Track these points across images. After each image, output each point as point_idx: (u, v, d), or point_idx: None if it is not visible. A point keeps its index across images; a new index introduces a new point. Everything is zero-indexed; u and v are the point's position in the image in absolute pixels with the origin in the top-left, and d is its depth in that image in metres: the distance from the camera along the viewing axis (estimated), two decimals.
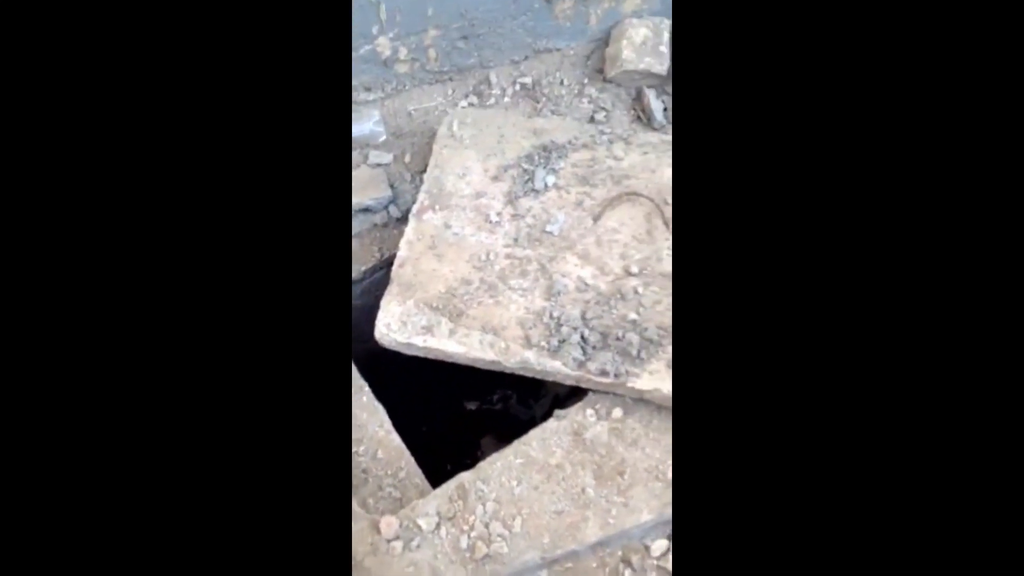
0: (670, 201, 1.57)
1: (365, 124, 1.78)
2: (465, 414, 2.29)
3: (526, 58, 1.99)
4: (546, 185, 1.63)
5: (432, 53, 1.89)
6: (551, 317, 1.41)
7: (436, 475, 1.37)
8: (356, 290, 1.79)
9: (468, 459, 1.86)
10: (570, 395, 2.02)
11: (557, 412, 1.36)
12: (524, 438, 1.31)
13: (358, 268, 1.73)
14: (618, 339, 1.36)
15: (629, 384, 1.31)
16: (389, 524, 1.16)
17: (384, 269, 1.75)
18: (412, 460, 1.37)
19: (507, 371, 1.40)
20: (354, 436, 1.40)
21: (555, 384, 2.21)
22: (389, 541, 1.15)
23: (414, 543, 1.15)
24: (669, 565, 1.16)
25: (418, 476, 1.34)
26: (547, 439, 1.30)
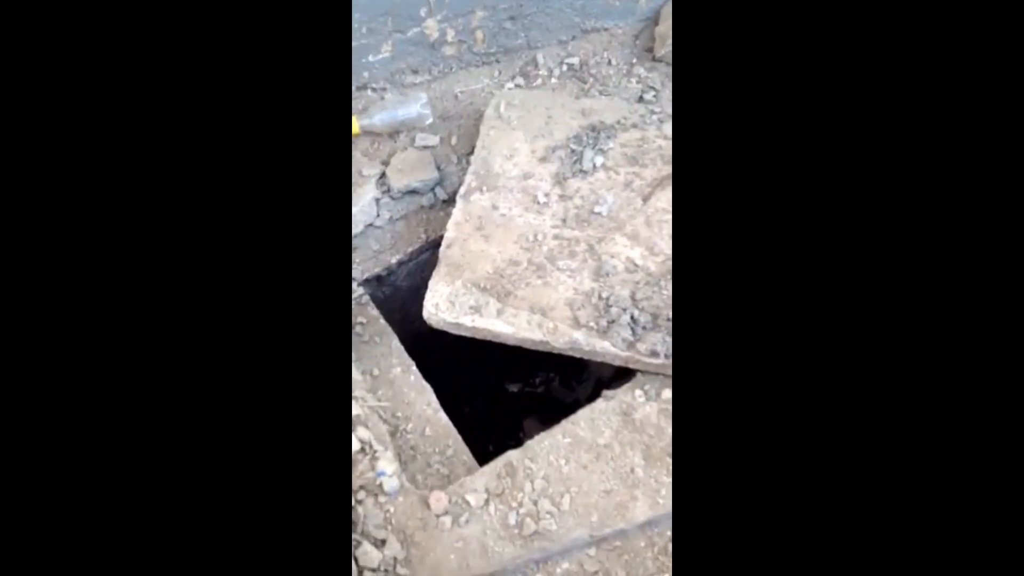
0: None
1: (412, 107, 1.78)
2: (507, 396, 2.30)
3: (573, 38, 1.97)
4: (595, 166, 1.61)
5: (479, 35, 1.88)
6: (600, 298, 1.40)
7: (480, 456, 1.38)
8: (401, 272, 1.80)
9: (511, 441, 1.88)
10: (614, 378, 2.01)
11: (605, 393, 1.35)
12: (572, 418, 1.31)
13: (404, 250, 1.74)
14: (668, 320, 1.35)
15: None
16: (439, 499, 1.18)
17: (430, 251, 1.76)
18: (459, 438, 1.38)
19: (555, 351, 1.40)
20: (402, 414, 1.41)
21: (598, 367, 2.20)
22: (438, 516, 1.16)
23: (463, 519, 1.16)
24: None
25: (465, 454, 1.35)
26: (596, 419, 1.30)
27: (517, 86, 1.91)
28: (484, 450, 1.41)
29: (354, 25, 1.72)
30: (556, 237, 1.51)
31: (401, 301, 1.85)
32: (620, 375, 1.89)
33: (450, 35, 1.85)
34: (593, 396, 1.39)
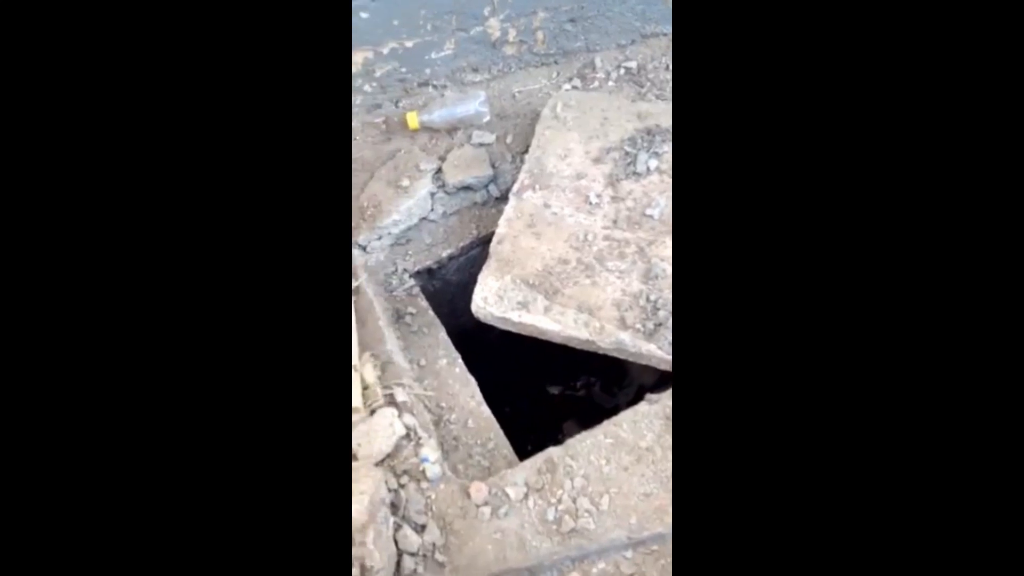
0: None
1: (471, 104, 1.81)
2: (548, 398, 2.30)
3: (632, 42, 1.97)
4: (648, 169, 1.61)
5: (540, 35, 1.90)
6: (648, 300, 1.40)
7: (519, 454, 1.39)
8: (452, 266, 1.83)
9: (550, 442, 1.88)
10: (655, 385, 1.99)
11: (649, 396, 1.34)
12: (615, 419, 1.31)
13: (456, 244, 1.76)
14: None
15: None
16: (479, 490, 1.19)
17: (480, 247, 1.78)
18: (501, 432, 1.39)
19: (600, 352, 1.40)
20: (446, 404, 1.43)
21: (640, 373, 2.19)
22: (478, 506, 1.17)
23: (502, 510, 1.17)
24: None
25: (506, 447, 1.36)
26: (638, 422, 1.29)
27: (574, 88, 1.92)
28: (523, 449, 1.41)
29: (419, 22, 1.76)
30: (606, 238, 1.51)
31: (450, 295, 1.87)
32: (661, 383, 1.87)
33: (511, 35, 1.87)
34: (634, 402, 1.38)
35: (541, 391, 2.32)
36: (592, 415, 1.89)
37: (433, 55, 1.85)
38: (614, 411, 1.39)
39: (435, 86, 1.92)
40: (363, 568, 1.00)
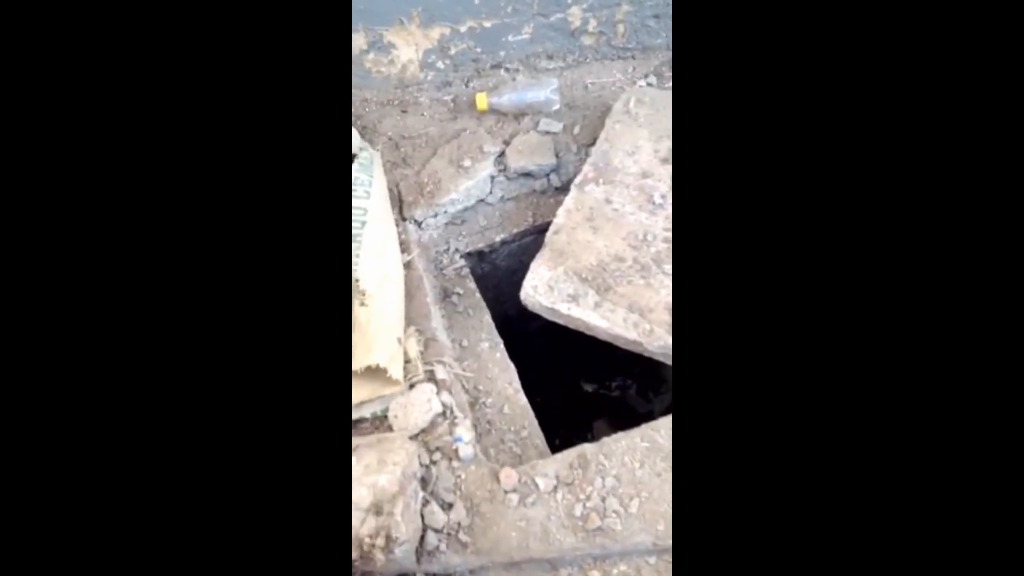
0: None
1: (542, 91, 1.79)
2: (581, 394, 2.28)
3: None
4: None
5: (621, 28, 1.87)
6: None
7: (548, 446, 1.38)
8: (503, 251, 1.82)
9: (578, 438, 1.86)
10: None
11: None
12: (652, 424, 1.28)
13: (510, 230, 1.76)
14: None
15: None
16: (508, 476, 1.18)
17: (534, 235, 1.77)
18: (535, 422, 1.38)
19: (646, 354, 1.37)
20: (484, 388, 1.43)
21: None
22: (507, 492, 1.17)
23: (530, 499, 1.16)
24: None
25: (539, 438, 1.36)
26: None
27: (649, 84, 1.89)
28: (551, 442, 1.40)
29: (500, 3, 1.74)
30: (666, 240, 1.48)
31: (497, 280, 1.86)
32: None
33: (592, 25, 1.84)
34: (670, 409, 1.35)
35: (575, 387, 2.30)
36: (624, 417, 1.87)
37: (510, 37, 1.84)
38: (648, 416, 1.37)
39: (508, 69, 1.91)
40: (388, 538, 1.01)
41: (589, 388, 2.31)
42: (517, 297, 1.46)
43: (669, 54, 1.92)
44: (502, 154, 1.74)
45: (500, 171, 1.74)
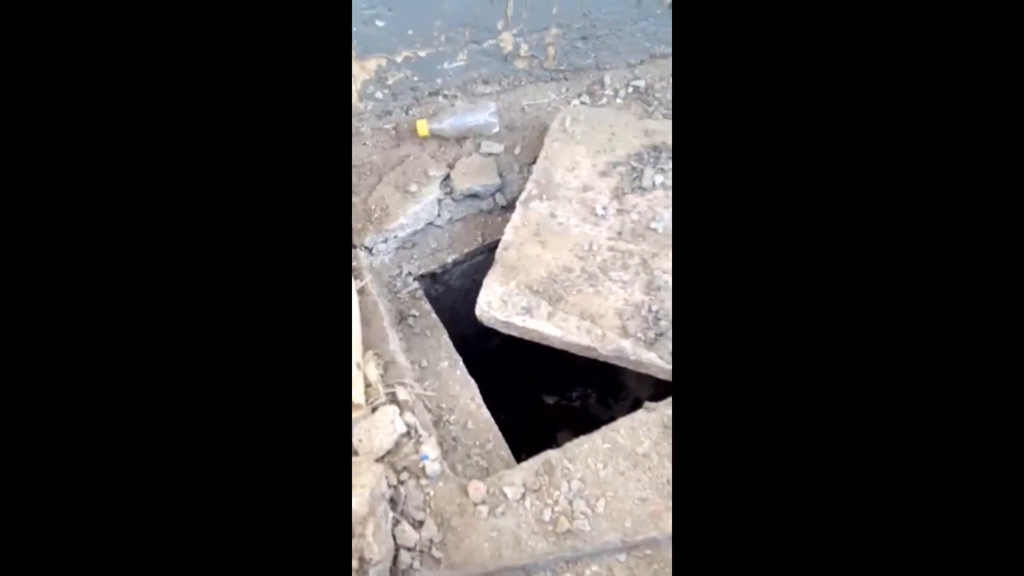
0: None
1: (481, 115, 1.85)
2: (544, 408, 2.31)
3: (642, 62, 2.02)
4: (654, 184, 1.64)
5: (551, 51, 1.95)
6: (650, 310, 1.42)
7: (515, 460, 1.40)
8: (455, 271, 1.85)
9: (545, 450, 1.89)
10: (653, 397, 2.01)
11: (647, 404, 1.36)
12: (613, 425, 1.33)
13: (460, 250, 1.79)
14: None
15: None
16: (477, 489, 1.20)
17: (484, 254, 1.81)
18: (499, 434, 1.41)
19: (601, 359, 1.42)
20: (446, 406, 1.45)
21: (636, 386, 2.20)
22: (476, 504, 1.18)
23: (499, 510, 1.18)
24: None
25: (504, 450, 1.38)
26: (636, 428, 1.31)
27: (582, 103, 1.96)
28: (518, 457, 1.43)
29: (433, 33, 1.80)
30: (611, 249, 1.54)
31: (452, 301, 1.89)
32: (658, 394, 1.89)
33: (523, 49, 1.92)
34: (630, 411, 1.40)
35: (537, 401, 2.33)
36: (587, 426, 1.90)
37: (446, 65, 1.89)
38: (611, 422, 1.41)
39: (446, 95, 1.96)
40: (362, 559, 1.01)
41: (551, 401, 2.34)
42: (473, 316, 1.50)
43: (600, 74, 2.01)
44: (447, 177, 1.78)
45: (447, 194, 1.78)
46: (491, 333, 1.51)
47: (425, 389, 1.45)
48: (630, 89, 1.98)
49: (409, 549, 1.11)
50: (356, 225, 1.68)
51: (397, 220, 1.69)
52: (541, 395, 2.34)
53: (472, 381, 1.50)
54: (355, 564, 1.01)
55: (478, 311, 1.47)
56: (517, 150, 1.87)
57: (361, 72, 1.83)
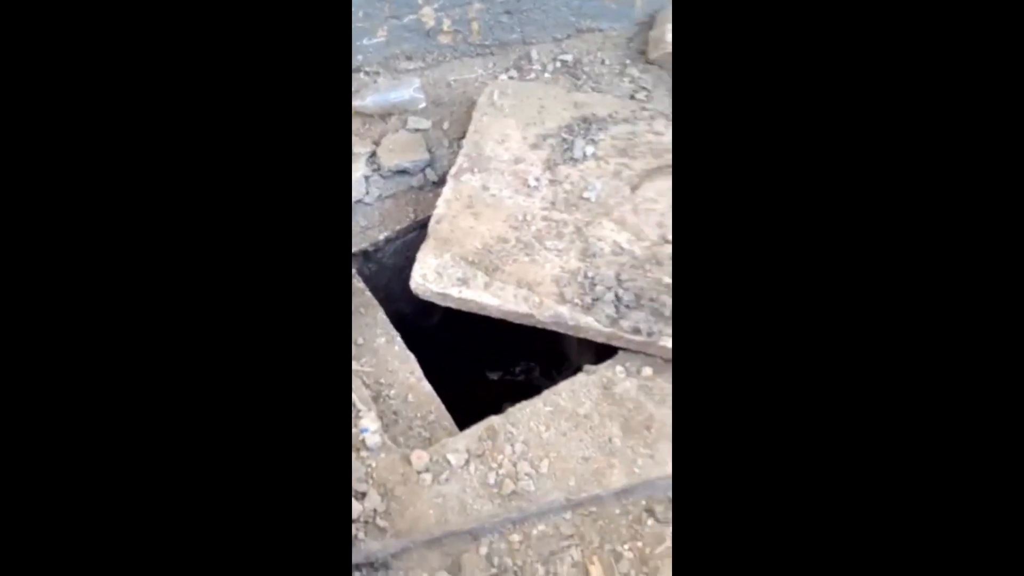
0: None
1: (405, 91, 1.82)
2: (487, 384, 2.31)
3: (568, 36, 2.04)
4: (585, 155, 1.66)
5: (475, 26, 1.93)
6: (585, 276, 1.44)
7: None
8: (388, 249, 1.82)
9: None
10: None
11: (587, 367, 1.38)
12: (554, 388, 1.34)
13: (392, 227, 1.76)
14: (651, 300, 1.39)
15: (660, 343, 1.33)
16: (420, 457, 1.19)
17: (417, 231, 1.78)
18: (442, 405, 1.39)
19: (539, 325, 1.43)
20: (385, 381, 1.43)
21: (578, 356, 2.23)
22: (419, 473, 1.17)
23: (443, 476, 1.17)
24: None
25: (447, 420, 1.37)
26: (576, 391, 1.33)
27: (510, 78, 1.96)
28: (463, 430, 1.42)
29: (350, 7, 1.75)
30: (545, 219, 1.55)
31: (386, 279, 1.86)
32: (599, 363, 1.92)
33: (446, 24, 1.90)
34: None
35: (481, 378, 2.33)
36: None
37: (365, 41, 1.86)
38: None
39: (367, 73, 1.92)
40: None
41: (495, 376, 2.34)
42: (409, 294, 1.47)
43: (526, 49, 2.01)
44: (373, 154, 1.75)
45: (374, 171, 1.75)
46: (430, 312, 1.49)
47: (362, 365, 1.42)
48: (558, 63, 1.99)
49: (353, 521, 1.09)
50: None
51: None
52: (485, 372, 2.33)
53: (411, 356, 1.48)
54: None
55: (413, 284, 1.45)
56: (446, 125, 1.85)
57: None
